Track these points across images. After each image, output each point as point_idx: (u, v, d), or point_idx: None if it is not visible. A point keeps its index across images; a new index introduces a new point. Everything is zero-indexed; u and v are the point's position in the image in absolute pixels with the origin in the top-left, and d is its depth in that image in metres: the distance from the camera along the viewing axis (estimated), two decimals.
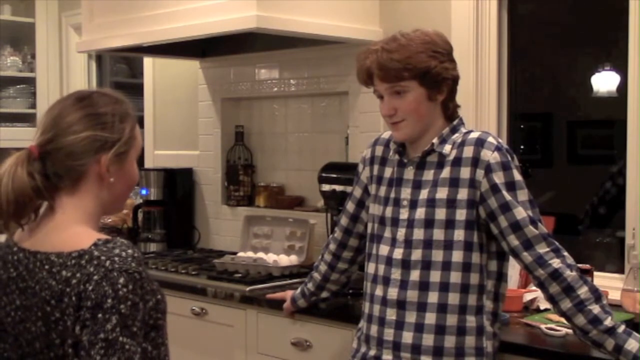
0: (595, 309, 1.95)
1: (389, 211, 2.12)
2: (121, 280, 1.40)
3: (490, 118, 3.01)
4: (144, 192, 3.93)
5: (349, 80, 3.34)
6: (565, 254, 2.01)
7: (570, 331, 2.12)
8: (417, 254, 2.05)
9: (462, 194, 2.02)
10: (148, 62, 4.29)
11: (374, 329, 2.11)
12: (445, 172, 2.05)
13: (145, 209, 3.96)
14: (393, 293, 2.07)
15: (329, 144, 3.55)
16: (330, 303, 2.59)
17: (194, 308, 3.08)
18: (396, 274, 2.07)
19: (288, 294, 2.65)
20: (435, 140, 2.07)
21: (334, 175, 3.00)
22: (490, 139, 2.04)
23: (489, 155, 2.01)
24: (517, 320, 2.42)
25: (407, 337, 2.04)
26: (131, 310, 1.40)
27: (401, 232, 2.08)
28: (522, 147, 3.67)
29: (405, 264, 2.06)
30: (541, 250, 1.98)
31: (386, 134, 2.24)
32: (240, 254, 3.41)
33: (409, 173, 2.11)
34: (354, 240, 2.36)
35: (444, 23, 2.97)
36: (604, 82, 3.44)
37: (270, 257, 3.25)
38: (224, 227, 3.90)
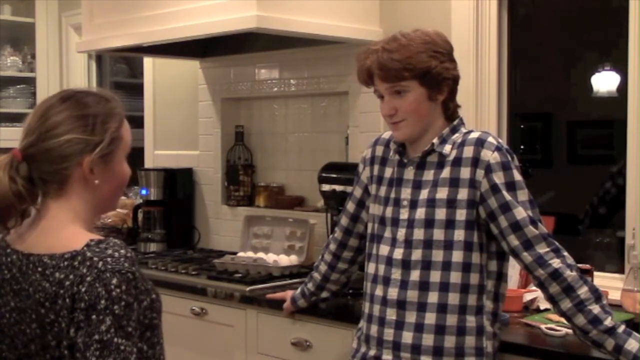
0: (595, 309, 1.95)
1: (389, 211, 2.12)
2: (114, 280, 1.39)
3: (490, 118, 3.01)
4: (144, 192, 3.93)
5: (349, 80, 3.34)
6: (565, 254, 2.01)
7: (570, 331, 2.12)
8: (417, 254, 2.05)
9: (462, 194, 2.02)
10: (148, 62, 4.29)
11: (374, 329, 2.11)
12: (446, 172, 2.05)
13: (145, 209, 3.96)
14: (393, 293, 2.07)
15: (329, 144, 3.55)
16: (330, 303, 2.59)
17: (194, 308, 3.08)
18: (396, 274, 2.07)
19: (288, 294, 2.65)
20: (435, 141, 2.07)
21: (334, 175, 3.00)
22: (490, 139, 2.04)
23: (489, 156, 2.01)
24: (517, 320, 2.42)
25: (407, 337, 2.04)
26: (125, 310, 1.39)
27: (401, 232, 2.08)
28: (522, 147, 3.67)
29: (406, 264, 2.06)
30: (541, 250, 1.98)
31: (386, 134, 2.24)
32: (240, 254, 3.41)
33: (409, 173, 2.11)
34: (354, 241, 2.36)
35: (444, 23, 2.97)
36: (604, 82, 3.44)
37: (270, 257, 3.25)
38: (224, 227, 3.90)
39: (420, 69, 2.01)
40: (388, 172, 2.17)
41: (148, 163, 4.29)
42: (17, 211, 1.51)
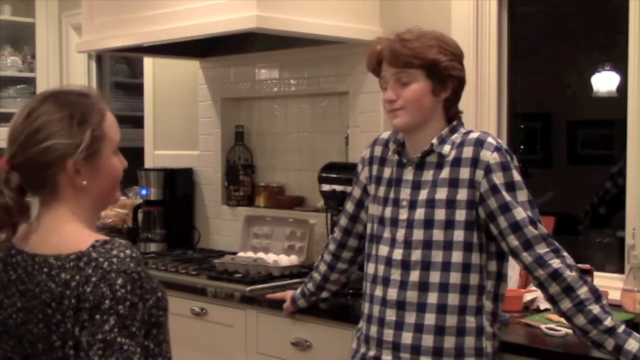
0: (595, 309, 1.95)
1: (388, 211, 2.12)
2: (119, 281, 1.39)
3: (490, 118, 3.01)
4: (144, 192, 3.93)
5: (349, 80, 3.34)
6: (565, 254, 2.01)
7: (570, 331, 2.12)
8: (416, 255, 2.05)
9: (462, 194, 2.02)
10: (148, 62, 4.29)
11: (373, 330, 2.11)
12: (445, 173, 2.05)
13: (145, 209, 3.96)
14: (393, 293, 2.07)
15: (329, 144, 3.55)
16: (330, 303, 2.59)
17: (194, 308, 3.08)
18: (396, 274, 2.07)
19: (288, 294, 2.65)
20: (434, 141, 2.07)
21: (334, 175, 3.00)
22: (490, 140, 2.04)
23: (489, 156, 2.01)
24: (517, 320, 2.42)
25: (407, 337, 2.04)
26: (130, 310, 1.39)
27: (400, 233, 2.08)
28: (522, 147, 3.66)
29: (405, 265, 2.06)
30: (541, 251, 1.98)
31: (385, 134, 2.24)
32: (240, 254, 3.41)
33: (409, 173, 2.11)
34: (354, 241, 2.36)
35: (444, 23, 2.97)
36: (604, 82, 3.44)
37: (270, 257, 3.25)
38: (224, 227, 3.90)
39: (429, 60, 2.02)
40: (387, 172, 2.17)
41: (148, 163, 4.29)
42: (7, 224, 1.50)
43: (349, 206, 2.33)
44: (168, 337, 1.53)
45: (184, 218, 4.01)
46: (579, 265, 2.06)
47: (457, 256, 2.02)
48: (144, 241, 3.87)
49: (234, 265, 3.23)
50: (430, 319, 2.02)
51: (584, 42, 3.61)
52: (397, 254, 2.07)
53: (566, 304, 1.97)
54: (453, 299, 2.02)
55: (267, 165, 3.85)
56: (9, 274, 1.52)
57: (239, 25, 2.93)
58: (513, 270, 2.58)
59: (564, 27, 3.63)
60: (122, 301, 1.38)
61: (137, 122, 4.47)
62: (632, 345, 1.93)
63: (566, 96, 3.79)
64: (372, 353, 2.11)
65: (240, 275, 3.15)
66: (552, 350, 2.15)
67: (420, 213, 2.05)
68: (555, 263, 1.97)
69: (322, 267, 2.45)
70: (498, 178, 2.00)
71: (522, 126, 3.74)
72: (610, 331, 1.94)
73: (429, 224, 2.04)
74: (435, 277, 2.03)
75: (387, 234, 2.11)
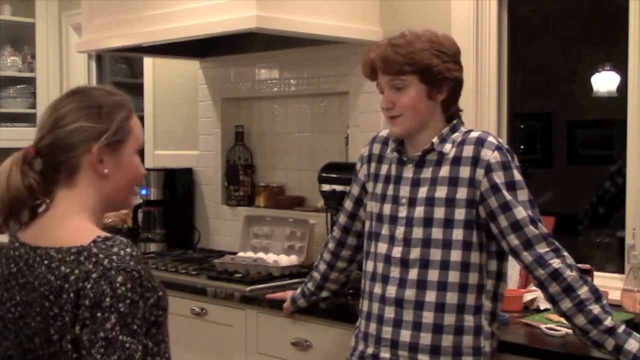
0: (596, 309, 1.95)
1: (386, 209, 2.12)
2: (119, 278, 1.40)
3: (490, 118, 3.01)
4: (144, 192, 3.93)
5: (349, 80, 3.34)
6: (566, 254, 2.01)
7: (570, 331, 2.12)
8: (415, 253, 2.05)
9: (461, 193, 2.02)
10: (148, 62, 4.29)
11: (372, 327, 2.11)
12: (444, 171, 2.05)
13: (145, 209, 3.96)
14: (392, 291, 2.07)
15: (329, 144, 3.55)
16: (330, 303, 2.59)
17: (194, 308, 3.08)
18: (395, 272, 2.07)
19: (288, 294, 2.65)
20: (435, 140, 2.07)
21: (334, 175, 3.00)
22: (491, 139, 2.04)
23: (489, 155, 2.01)
24: (517, 320, 2.42)
25: (405, 335, 2.04)
26: (130, 308, 1.39)
27: (400, 230, 2.08)
28: (522, 147, 3.66)
29: (404, 262, 2.06)
30: (541, 250, 1.98)
31: (384, 132, 2.24)
32: (240, 254, 3.41)
33: (408, 171, 2.11)
34: (353, 239, 2.36)
35: (444, 23, 2.97)
36: (604, 82, 3.44)
37: (270, 257, 3.25)
38: (224, 227, 3.90)
39: (422, 65, 2.02)
40: (384, 169, 2.18)
41: (148, 163, 4.28)
42: (29, 206, 1.53)
43: (348, 204, 2.34)
44: (167, 338, 1.53)
45: (184, 218, 4.01)
46: (579, 265, 2.06)
47: (456, 255, 2.02)
48: (144, 241, 3.87)
49: (234, 265, 3.24)
50: (428, 317, 2.03)
51: (584, 42, 3.60)
52: (397, 251, 2.08)
53: (566, 304, 1.97)
54: (451, 297, 2.02)
55: (267, 165, 3.85)
56: (10, 267, 1.53)
57: (239, 25, 2.93)
58: (513, 270, 2.58)
59: (564, 27, 3.63)
60: (122, 299, 1.39)
61: None
62: (632, 345, 1.93)
63: (566, 96, 3.79)
64: (370, 350, 2.12)
65: (240, 275, 3.15)
66: (552, 350, 2.15)
67: (419, 211, 2.06)
68: (556, 263, 1.97)
69: (322, 266, 2.45)
70: (499, 177, 2.00)
71: (522, 126, 3.74)
72: (611, 331, 1.94)
73: (428, 222, 2.04)
74: (433, 275, 2.03)
75: (385, 231, 2.12)
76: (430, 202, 2.05)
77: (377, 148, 2.23)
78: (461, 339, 2.03)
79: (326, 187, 3.01)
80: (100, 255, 1.42)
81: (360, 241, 2.33)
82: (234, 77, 3.86)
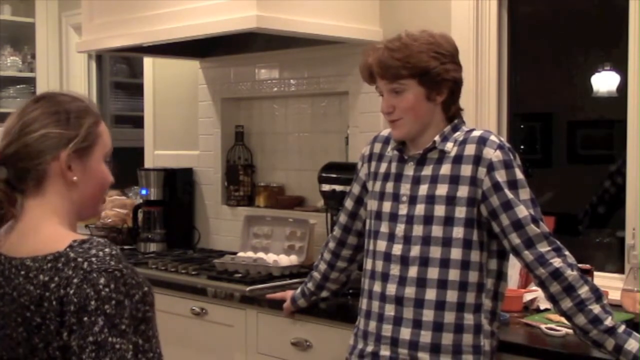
0: (596, 308, 1.95)
1: (386, 206, 2.13)
2: (102, 280, 1.37)
3: (490, 118, 3.01)
4: (144, 192, 3.93)
5: (349, 80, 3.34)
6: (567, 253, 2.01)
7: (570, 331, 2.12)
8: (415, 250, 2.05)
9: (462, 191, 2.02)
10: (148, 62, 4.29)
11: (372, 325, 2.11)
12: (445, 169, 2.05)
13: (145, 209, 3.96)
14: (392, 289, 2.08)
15: (329, 144, 3.55)
16: (330, 303, 2.59)
17: (194, 308, 3.08)
18: (395, 269, 2.08)
19: (288, 294, 2.65)
20: (437, 138, 2.08)
21: (334, 175, 3.00)
22: (493, 137, 2.04)
23: (492, 154, 2.01)
24: (517, 320, 2.42)
25: (405, 333, 2.04)
26: (117, 309, 1.37)
27: (400, 228, 2.08)
28: (522, 147, 3.66)
29: (404, 260, 2.06)
30: (542, 249, 1.98)
31: (385, 132, 2.25)
32: (240, 254, 3.41)
33: (409, 169, 2.11)
34: (353, 238, 2.36)
35: (444, 23, 2.97)
36: (604, 82, 3.43)
37: (270, 257, 3.25)
38: (224, 227, 3.90)
39: (419, 68, 2.02)
40: (383, 167, 2.18)
41: (148, 163, 4.28)
42: None
43: (348, 203, 2.34)
44: (157, 333, 1.50)
45: (184, 218, 4.01)
46: (579, 265, 2.06)
47: (456, 253, 2.02)
48: (144, 241, 3.87)
49: (234, 265, 3.23)
50: (428, 315, 2.03)
51: (584, 42, 3.60)
52: (397, 249, 2.08)
53: (567, 303, 1.97)
54: (451, 295, 2.02)
55: (267, 165, 3.85)
56: None
57: (239, 25, 2.93)
58: (513, 269, 2.58)
59: (564, 27, 3.63)
60: (107, 300, 1.37)
61: (137, 122, 4.47)
62: (632, 345, 1.93)
63: (566, 96, 3.78)
64: (370, 349, 2.12)
65: (240, 275, 3.15)
66: (552, 350, 2.15)
67: (420, 208, 2.06)
68: (557, 262, 1.97)
69: (322, 266, 2.45)
70: (501, 176, 2.00)
71: (522, 126, 3.74)
72: (611, 331, 1.94)
73: (428, 219, 2.04)
74: (433, 273, 2.03)
75: (384, 228, 2.12)
76: (430, 199, 2.05)
77: (378, 147, 2.23)
78: (461, 337, 2.03)
79: (326, 187, 3.01)
80: (79, 259, 1.39)
81: (360, 240, 2.33)
82: (234, 77, 3.86)
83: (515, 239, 2.00)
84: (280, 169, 3.80)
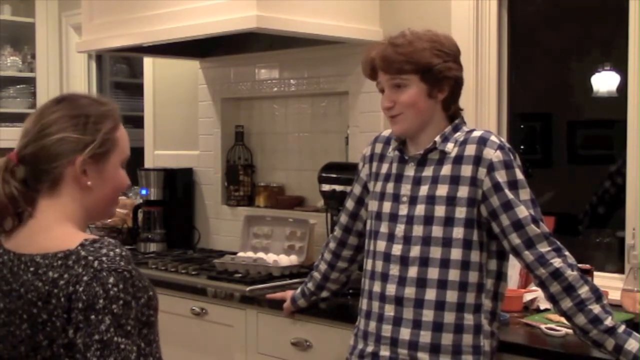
0: (596, 308, 1.95)
1: (386, 206, 2.13)
2: (111, 279, 1.38)
3: (490, 118, 3.01)
4: (144, 192, 3.93)
5: (349, 80, 3.34)
6: (567, 253, 2.01)
7: (570, 331, 2.12)
8: (415, 251, 2.05)
9: (463, 191, 2.02)
10: (148, 62, 4.29)
11: (372, 325, 2.11)
12: (446, 170, 2.05)
13: (145, 209, 3.96)
14: (391, 289, 2.08)
15: (329, 144, 3.55)
16: (330, 303, 2.59)
17: (194, 308, 3.08)
18: (394, 270, 2.08)
19: (288, 294, 2.65)
20: (437, 139, 2.08)
21: (334, 175, 3.00)
22: (493, 138, 2.04)
23: (492, 154, 2.01)
24: (517, 320, 2.42)
25: (405, 333, 2.04)
26: (124, 309, 1.38)
27: (400, 228, 2.08)
28: (522, 147, 3.66)
29: (404, 260, 2.06)
30: (542, 249, 1.98)
31: (386, 132, 2.25)
32: (240, 254, 3.41)
33: (410, 169, 2.11)
34: (354, 239, 2.37)
35: (444, 23, 2.97)
36: (604, 82, 3.44)
37: (270, 257, 3.25)
38: (224, 227, 3.90)
39: (422, 65, 2.02)
40: (384, 167, 2.18)
41: (148, 163, 4.29)
42: (10, 213, 1.51)
43: (349, 204, 2.34)
44: (157, 338, 1.51)
45: (184, 218, 4.01)
46: (579, 265, 2.07)
47: (456, 253, 2.02)
48: (144, 241, 3.87)
49: (234, 265, 3.24)
50: (428, 315, 2.03)
51: (584, 42, 3.60)
52: (396, 249, 2.08)
53: (567, 303, 1.97)
54: (451, 296, 2.02)
55: (267, 165, 3.85)
56: None
57: (239, 25, 2.93)
58: (513, 270, 2.58)
59: (564, 27, 3.63)
60: (115, 300, 1.38)
61: (137, 122, 4.47)
62: (632, 345, 1.93)
63: (566, 96, 3.78)
64: (370, 349, 2.12)
65: (240, 275, 3.15)
66: (552, 350, 2.15)
67: (420, 209, 2.06)
68: (557, 262, 1.97)
69: (323, 266, 2.45)
70: (501, 176, 2.00)
71: (522, 126, 3.74)
72: (611, 331, 1.94)
73: (428, 220, 2.04)
74: (433, 273, 2.03)
75: (384, 229, 2.12)
76: (431, 200, 2.05)
77: (379, 148, 2.23)
78: (461, 338, 2.03)
79: (326, 187, 3.01)
80: (90, 258, 1.40)
81: (361, 241, 2.33)
82: (234, 77, 3.86)
83: (516, 239, 2.00)
84: (280, 169, 3.80)
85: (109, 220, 4.10)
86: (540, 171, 3.72)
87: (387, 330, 2.08)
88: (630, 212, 2.67)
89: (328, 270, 2.44)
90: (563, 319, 2.06)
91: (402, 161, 2.15)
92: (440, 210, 2.04)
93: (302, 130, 3.69)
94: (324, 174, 3.04)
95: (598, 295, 1.97)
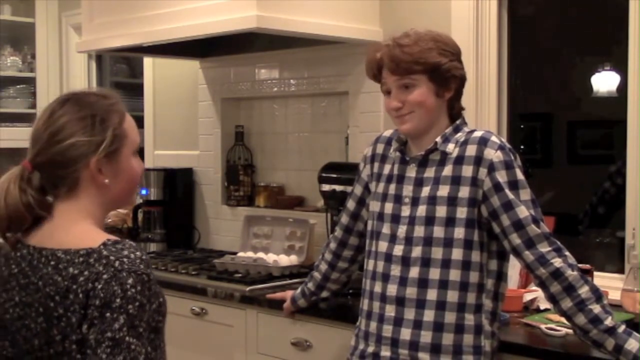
0: (596, 308, 1.95)
1: (388, 207, 2.13)
2: (130, 280, 1.41)
3: (490, 118, 3.01)
4: (144, 192, 3.93)
5: (349, 80, 3.34)
6: (567, 253, 2.01)
7: (570, 331, 2.12)
8: (417, 251, 2.05)
9: (464, 192, 2.03)
10: (148, 62, 4.29)
11: (373, 326, 2.11)
12: (447, 170, 2.05)
13: (145, 209, 3.96)
14: (392, 290, 2.08)
15: (329, 144, 3.55)
16: (330, 303, 2.59)
17: (194, 308, 3.08)
18: (395, 270, 2.08)
19: (288, 294, 2.65)
20: (438, 139, 2.08)
21: (334, 175, 3.00)
22: (494, 138, 2.04)
23: (492, 154, 2.01)
24: (517, 320, 2.42)
25: (406, 333, 2.04)
26: (138, 311, 1.41)
27: (402, 229, 2.08)
28: (522, 147, 3.66)
29: (405, 261, 2.06)
30: (543, 250, 1.98)
31: (387, 132, 2.25)
32: (240, 254, 3.41)
33: (411, 170, 2.11)
34: (354, 239, 2.36)
35: (444, 23, 2.97)
36: (604, 82, 3.44)
37: (270, 257, 3.25)
38: (224, 227, 3.90)
39: (431, 64, 2.03)
40: (386, 168, 2.18)
41: (148, 163, 4.28)
42: (27, 221, 1.53)
43: (350, 204, 2.34)
44: (163, 344, 1.53)
45: (184, 218, 4.01)
46: (579, 265, 2.07)
47: (457, 253, 2.02)
48: (144, 241, 3.87)
49: (234, 265, 3.24)
50: (429, 315, 2.03)
51: (584, 42, 3.60)
52: (398, 250, 2.08)
53: (567, 303, 1.97)
54: (452, 296, 2.02)
55: (267, 165, 3.85)
56: (10, 267, 1.53)
57: (239, 25, 2.93)
58: (513, 270, 2.58)
59: (564, 27, 3.63)
60: (132, 301, 1.40)
61: (137, 122, 4.45)
62: (632, 345, 1.93)
63: (566, 96, 3.79)
64: (370, 349, 2.12)
65: (240, 275, 3.15)
66: (552, 350, 2.15)
67: (422, 210, 2.06)
68: (557, 262, 1.97)
69: (323, 266, 2.45)
70: (501, 176, 2.00)
71: (522, 126, 3.74)
72: (611, 331, 1.94)
73: (430, 220, 2.04)
74: (435, 273, 2.03)
75: (386, 229, 2.12)
76: (432, 200, 2.05)
77: (380, 148, 2.23)
78: (462, 338, 2.03)
79: (326, 187, 3.01)
80: (111, 258, 1.43)
81: (361, 241, 2.33)
82: (234, 77, 3.86)
83: (516, 239, 2.00)
84: (280, 169, 3.80)
85: (109, 220, 4.11)
86: (540, 171, 3.73)
87: (387, 330, 2.08)
88: (630, 212, 2.67)
89: (328, 271, 2.44)
90: (563, 319, 2.07)
91: (403, 162, 2.15)
92: (441, 211, 2.04)
93: (302, 130, 3.69)
94: (324, 174, 3.04)
95: (598, 295, 1.97)
